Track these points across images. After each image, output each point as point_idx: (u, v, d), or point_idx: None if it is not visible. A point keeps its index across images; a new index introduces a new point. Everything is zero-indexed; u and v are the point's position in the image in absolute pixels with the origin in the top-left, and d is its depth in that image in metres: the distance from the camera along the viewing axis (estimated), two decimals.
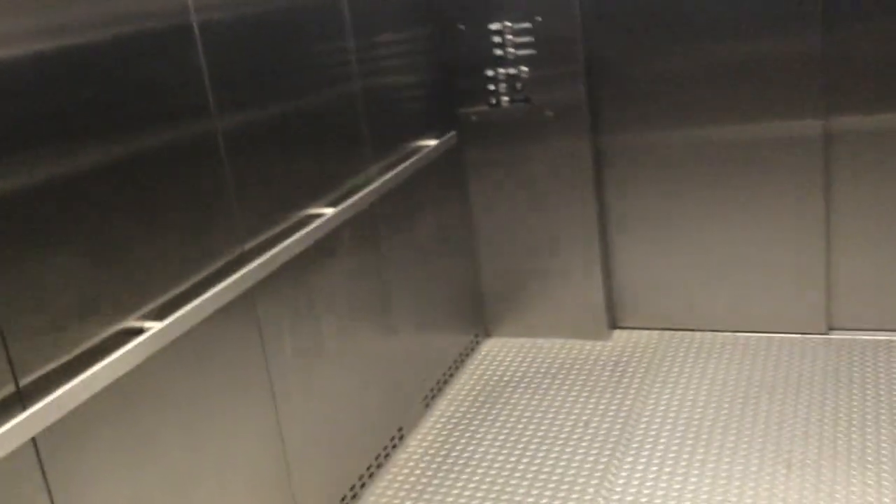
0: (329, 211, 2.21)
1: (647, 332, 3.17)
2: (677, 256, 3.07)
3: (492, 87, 3.01)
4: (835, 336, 2.95)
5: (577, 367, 3.00)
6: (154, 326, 1.66)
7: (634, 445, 2.50)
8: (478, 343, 3.25)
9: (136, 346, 1.60)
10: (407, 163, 2.63)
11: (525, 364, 3.07)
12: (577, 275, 3.11)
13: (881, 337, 2.89)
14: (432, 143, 2.83)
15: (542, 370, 3.01)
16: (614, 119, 3.00)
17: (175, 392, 1.76)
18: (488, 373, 3.05)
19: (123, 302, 1.64)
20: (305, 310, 2.19)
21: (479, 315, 3.27)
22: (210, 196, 1.86)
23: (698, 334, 3.09)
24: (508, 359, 3.13)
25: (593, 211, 3.03)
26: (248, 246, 1.97)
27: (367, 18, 2.49)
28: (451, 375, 3.03)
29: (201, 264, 1.83)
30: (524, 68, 2.96)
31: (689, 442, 2.48)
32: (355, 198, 2.31)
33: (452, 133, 2.99)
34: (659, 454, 2.45)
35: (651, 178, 3.02)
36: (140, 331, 1.65)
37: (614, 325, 3.22)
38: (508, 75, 2.98)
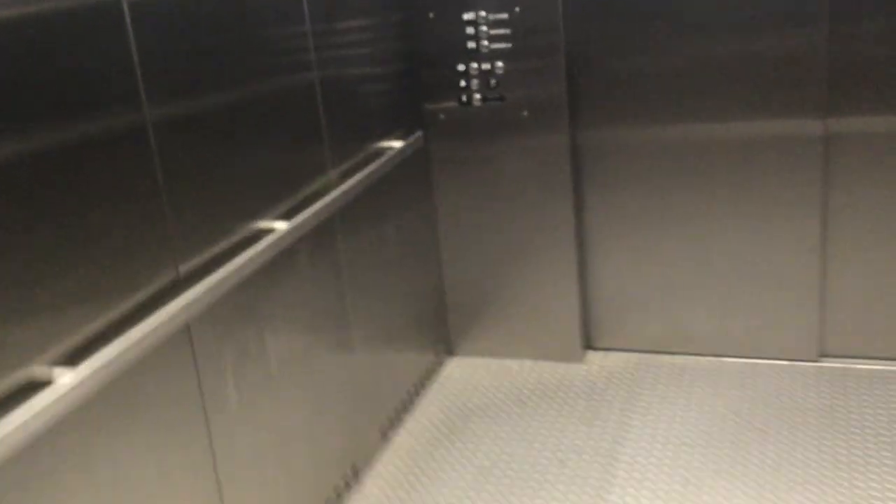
0: (282, 225, 1.89)
1: (623, 354, 2.92)
2: (659, 269, 2.83)
3: (463, 83, 2.72)
4: (826, 363, 2.74)
5: (550, 393, 2.74)
6: (64, 376, 1.33)
7: (617, 490, 2.25)
8: (440, 363, 2.97)
9: (41, 404, 1.27)
10: (371, 167, 2.32)
11: (492, 389, 2.80)
12: (550, 288, 2.85)
13: (876, 367, 2.69)
14: (397, 144, 2.53)
15: (512, 397, 2.74)
16: (596, 118, 2.73)
17: (91, 454, 1.43)
18: (451, 398, 2.77)
19: (24, 344, 1.31)
20: (252, 341, 1.87)
21: (442, 331, 2.98)
22: (137, 205, 1.53)
23: (679, 358, 2.86)
24: (473, 382, 2.85)
25: (570, 218, 2.77)
26: (185, 269, 1.64)
27: (326, 1, 2.17)
28: (411, 402, 2.74)
29: (125, 293, 1.50)
30: (499, 63, 2.67)
31: (678, 488, 2.23)
32: (313, 209, 1.99)
33: (419, 133, 2.69)
34: (646, 502, 2.20)
35: (633, 182, 2.77)
36: (46, 383, 1.32)
37: (589, 345, 2.96)
38: (482, 70, 2.69)
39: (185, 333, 1.63)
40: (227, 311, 1.76)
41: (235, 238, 1.80)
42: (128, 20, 1.50)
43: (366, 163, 2.35)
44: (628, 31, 2.62)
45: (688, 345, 2.86)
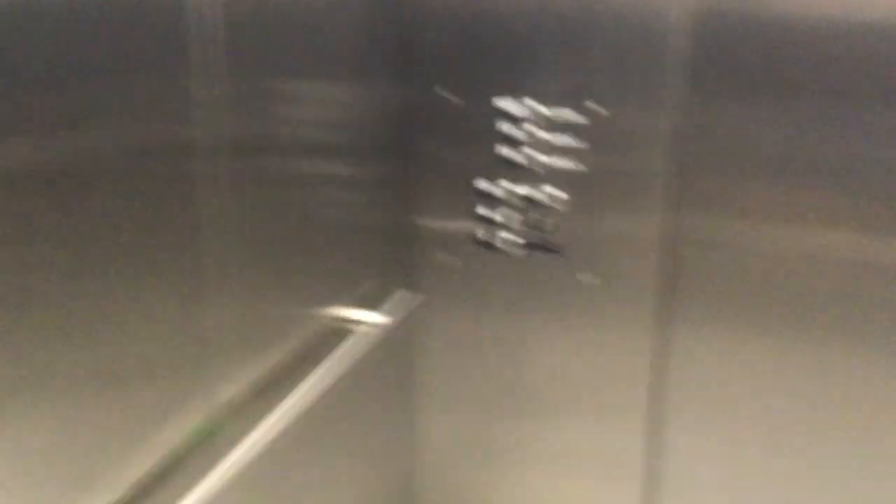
0: None
1: None
2: None
3: (489, 214, 1.62)
4: None
5: None
6: None
7: None
8: None
9: None
10: (311, 377, 1.19)
11: None
12: None
13: None
14: (368, 317, 1.40)
15: None
16: (706, 291, 1.64)
17: None
18: None
19: None
20: None
21: None
22: None
23: None
24: None
25: (640, 446, 1.66)
26: None
27: (258, 45, 1.08)
28: None
29: None
30: (554, 191, 1.57)
31: None
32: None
33: (407, 295, 1.57)
34: None
35: (754, 396, 1.66)
36: None
37: None
38: (525, 199, 1.59)
39: None
40: None
41: None
42: None
43: (304, 366, 1.22)
44: (768, 147, 1.56)
45: None
